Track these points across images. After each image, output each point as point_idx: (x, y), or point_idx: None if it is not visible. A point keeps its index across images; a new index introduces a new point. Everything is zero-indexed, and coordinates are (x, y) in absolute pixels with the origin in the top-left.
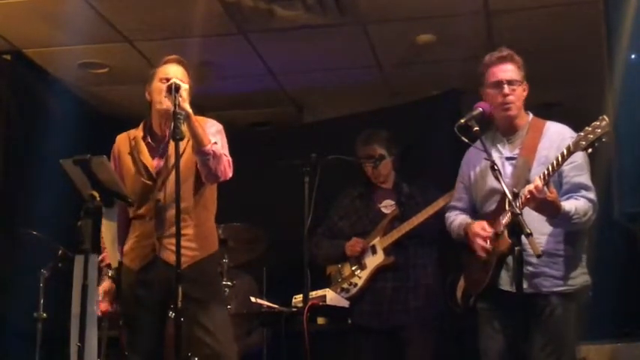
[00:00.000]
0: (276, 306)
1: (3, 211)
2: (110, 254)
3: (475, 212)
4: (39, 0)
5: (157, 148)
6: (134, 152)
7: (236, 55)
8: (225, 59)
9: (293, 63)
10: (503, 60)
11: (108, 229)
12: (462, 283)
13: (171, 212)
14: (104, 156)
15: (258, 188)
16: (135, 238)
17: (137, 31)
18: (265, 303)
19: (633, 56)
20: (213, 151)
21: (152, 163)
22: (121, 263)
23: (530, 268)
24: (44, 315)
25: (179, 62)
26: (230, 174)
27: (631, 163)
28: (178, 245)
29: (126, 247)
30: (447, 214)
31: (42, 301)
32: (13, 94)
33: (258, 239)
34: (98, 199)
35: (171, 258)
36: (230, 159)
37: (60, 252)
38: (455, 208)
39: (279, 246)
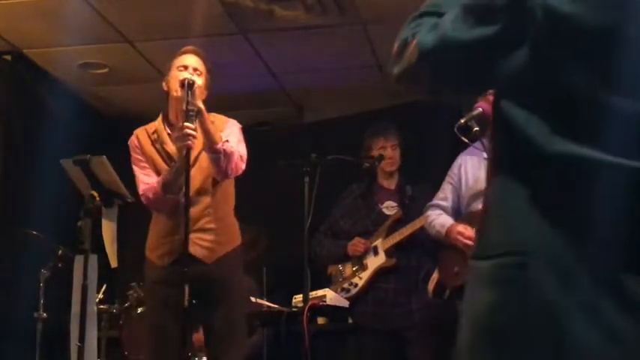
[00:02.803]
0: (276, 306)
1: (3, 211)
2: (110, 255)
3: (458, 213)
4: (39, 0)
5: None
6: (157, 144)
7: (236, 55)
8: (225, 59)
9: (293, 63)
10: None
11: (108, 229)
12: (435, 275)
13: (196, 207)
14: (104, 156)
15: (258, 188)
16: (160, 233)
17: (137, 31)
18: (265, 303)
19: None
20: (224, 149)
21: (176, 153)
22: (145, 258)
23: None
24: (44, 315)
25: (196, 53)
26: (241, 170)
27: None
28: (186, 240)
29: (150, 243)
30: (429, 212)
31: (42, 301)
32: (13, 94)
33: (258, 239)
34: (98, 199)
35: (199, 253)
36: (243, 154)
37: (60, 252)
38: (438, 206)
39: (279, 246)
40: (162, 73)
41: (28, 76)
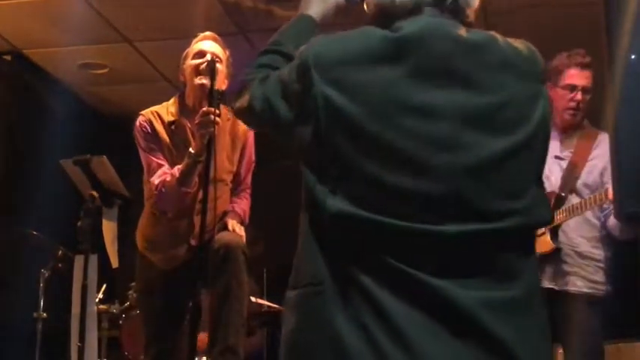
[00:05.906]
0: (276, 306)
1: (3, 211)
2: (110, 255)
3: None
4: (39, 0)
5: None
6: (178, 140)
7: (236, 55)
8: None
9: None
10: (586, 67)
11: (108, 229)
12: None
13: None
14: (104, 156)
15: (258, 188)
16: (164, 236)
17: (137, 31)
18: (265, 303)
19: (633, 56)
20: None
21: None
22: (138, 255)
23: (565, 267)
24: (44, 315)
25: (215, 40)
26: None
27: (631, 163)
28: (202, 233)
29: (148, 241)
30: None
31: (42, 301)
32: (13, 94)
33: (257, 239)
34: (98, 199)
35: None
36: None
37: (60, 252)
38: None
39: (279, 246)
40: (162, 73)
41: (28, 76)
